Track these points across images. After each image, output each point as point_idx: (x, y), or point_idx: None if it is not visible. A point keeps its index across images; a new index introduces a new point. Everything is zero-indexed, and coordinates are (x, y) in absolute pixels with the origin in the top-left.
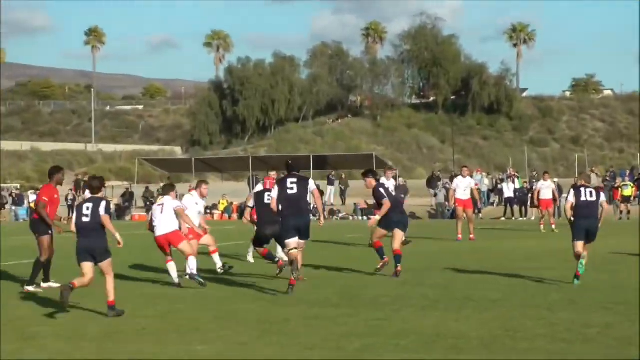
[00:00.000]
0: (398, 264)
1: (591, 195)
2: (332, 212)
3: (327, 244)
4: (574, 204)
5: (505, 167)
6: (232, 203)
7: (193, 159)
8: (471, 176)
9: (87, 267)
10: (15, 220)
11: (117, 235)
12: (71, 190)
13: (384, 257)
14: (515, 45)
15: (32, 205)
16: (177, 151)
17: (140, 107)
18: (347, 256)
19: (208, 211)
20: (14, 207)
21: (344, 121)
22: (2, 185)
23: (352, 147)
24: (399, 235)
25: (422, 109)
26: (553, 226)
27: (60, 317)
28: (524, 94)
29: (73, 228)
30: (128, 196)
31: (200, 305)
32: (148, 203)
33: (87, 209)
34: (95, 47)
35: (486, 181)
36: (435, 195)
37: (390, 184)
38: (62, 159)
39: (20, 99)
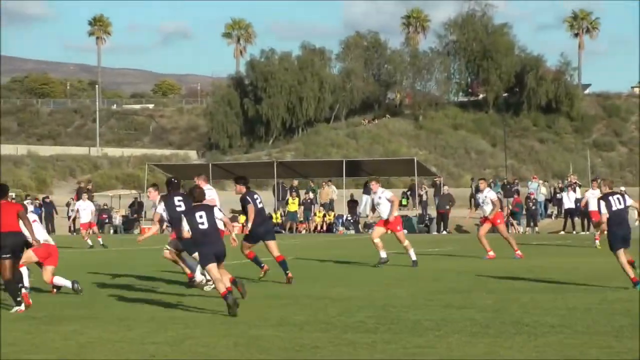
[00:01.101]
0: (287, 271)
1: (619, 202)
2: (366, 226)
3: (359, 263)
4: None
5: (564, 174)
6: None
7: (210, 164)
8: (490, 187)
9: (215, 267)
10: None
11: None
12: (72, 199)
13: (263, 265)
14: (576, 35)
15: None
16: (192, 156)
17: (151, 106)
18: (383, 275)
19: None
20: None
21: (381, 122)
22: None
23: (390, 151)
24: (271, 244)
25: (470, 108)
26: (597, 242)
27: (59, 343)
28: (587, 91)
29: (187, 235)
30: (137, 206)
31: (218, 331)
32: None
33: (201, 217)
34: (100, 38)
35: (543, 190)
36: (478, 206)
37: (383, 195)
38: (62, 165)
39: (16, 96)
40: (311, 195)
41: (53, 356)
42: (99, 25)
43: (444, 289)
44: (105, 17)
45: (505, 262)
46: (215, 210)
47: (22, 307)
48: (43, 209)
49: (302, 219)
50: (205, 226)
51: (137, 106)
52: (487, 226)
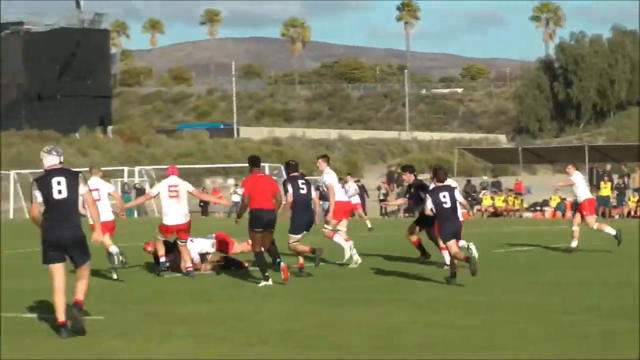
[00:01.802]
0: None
1: None
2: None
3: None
4: None
5: None
6: (564, 199)
7: (520, 148)
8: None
9: (454, 244)
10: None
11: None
12: (383, 183)
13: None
14: None
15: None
16: (502, 140)
17: (460, 90)
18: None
19: (538, 208)
20: (320, 202)
21: None
22: (309, 178)
23: None
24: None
25: None
26: None
27: (367, 325)
28: None
29: (430, 213)
30: None
31: (526, 316)
32: (469, 199)
33: (444, 197)
34: (408, 23)
35: None
36: None
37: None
38: (373, 149)
39: (326, 81)
40: (625, 179)
41: (363, 338)
42: (407, 10)
43: None
44: (414, 2)
45: None
46: (456, 192)
47: (269, 282)
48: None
49: (615, 203)
50: (448, 205)
51: (446, 90)
52: None
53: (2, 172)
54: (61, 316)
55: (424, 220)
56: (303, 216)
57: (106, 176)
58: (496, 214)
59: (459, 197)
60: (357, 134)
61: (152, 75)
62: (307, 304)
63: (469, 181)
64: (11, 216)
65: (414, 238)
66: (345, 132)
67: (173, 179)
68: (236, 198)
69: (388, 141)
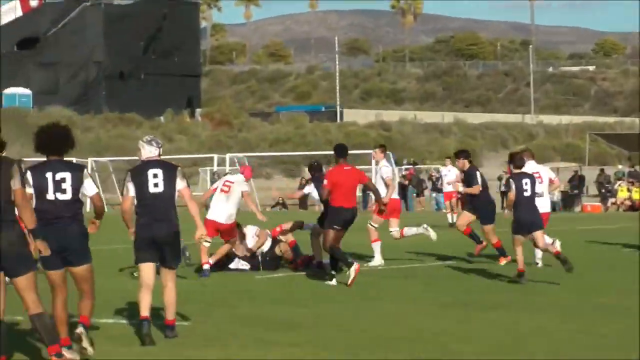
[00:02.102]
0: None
1: None
2: None
3: None
4: None
5: None
6: None
7: None
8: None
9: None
10: (436, 209)
11: None
12: (504, 172)
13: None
14: None
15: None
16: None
17: (591, 67)
18: None
19: None
20: (434, 194)
21: None
22: (421, 166)
23: None
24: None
25: None
26: None
27: (493, 332)
28: None
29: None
30: (577, 181)
31: None
32: (603, 190)
33: (526, 184)
34: None
35: None
36: None
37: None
38: (492, 134)
39: (441, 58)
40: None
41: (486, 346)
42: None
43: None
44: None
45: None
46: (537, 181)
47: (334, 282)
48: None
49: None
50: (528, 193)
51: (576, 68)
52: None
53: (79, 159)
54: (145, 311)
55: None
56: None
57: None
58: (634, 207)
59: (551, 174)
60: (474, 117)
61: (246, 51)
62: (411, 306)
63: (602, 170)
64: (87, 209)
65: (465, 227)
66: (461, 115)
67: (236, 177)
68: (308, 190)
69: (510, 125)
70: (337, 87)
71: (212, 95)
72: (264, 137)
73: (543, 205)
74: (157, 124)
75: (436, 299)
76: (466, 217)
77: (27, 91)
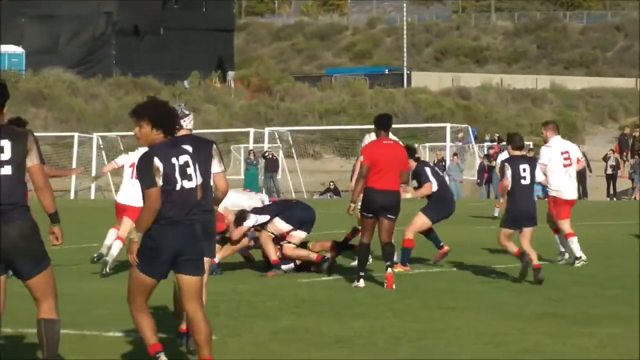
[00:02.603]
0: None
1: None
2: None
3: None
4: None
5: None
6: None
7: None
8: None
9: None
10: None
11: None
12: (613, 151)
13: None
14: None
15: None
16: None
17: None
18: None
19: None
20: None
21: None
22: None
23: None
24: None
25: None
26: None
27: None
28: None
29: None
30: None
31: None
32: None
33: (523, 170)
34: None
35: None
36: None
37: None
38: (598, 103)
39: (535, 8)
40: None
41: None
42: None
43: None
44: None
45: None
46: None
47: (361, 283)
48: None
49: None
50: (527, 181)
51: None
52: None
53: (82, 135)
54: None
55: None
56: None
57: (226, 141)
58: None
59: (578, 153)
60: (576, 82)
61: (291, 0)
62: (495, 317)
63: None
64: (92, 196)
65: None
66: (559, 80)
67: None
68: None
69: (620, 92)
70: (405, 45)
71: (249, 54)
72: (312, 106)
73: (570, 191)
74: (179, 90)
75: (523, 307)
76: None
77: (19, 50)
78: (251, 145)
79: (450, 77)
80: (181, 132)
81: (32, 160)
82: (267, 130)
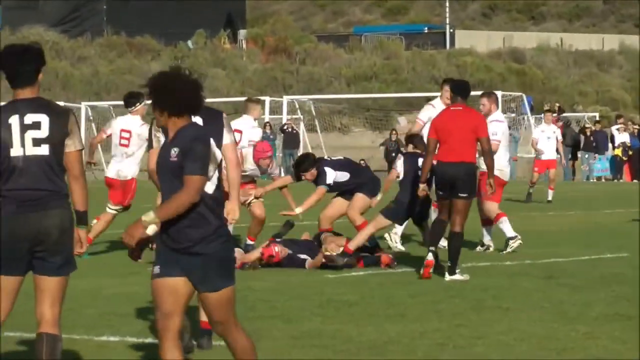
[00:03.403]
0: None
1: None
2: None
3: None
4: None
5: None
6: None
7: None
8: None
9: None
10: (586, 179)
11: None
12: None
13: None
14: None
15: None
16: None
17: None
18: None
19: None
20: (586, 155)
21: None
22: (569, 114)
23: None
24: None
25: None
26: None
27: None
28: None
29: None
30: None
31: None
32: None
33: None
34: None
35: None
36: None
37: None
38: None
39: None
40: None
41: None
42: None
43: None
44: None
45: None
46: None
47: (461, 276)
48: None
49: None
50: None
51: None
52: None
53: (68, 104)
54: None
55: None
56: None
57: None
58: None
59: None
60: None
61: None
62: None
63: None
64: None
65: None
66: (629, 39)
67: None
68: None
69: None
70: None
71: (263, 10)
72: (338, 71)
73: (508, 172)
74: (182, 52)
75: (588, 307)
76: None
77: None
78: (267, 117)
79: (501, 36)
80: None
81: (74, 145)
82: (285, 99)
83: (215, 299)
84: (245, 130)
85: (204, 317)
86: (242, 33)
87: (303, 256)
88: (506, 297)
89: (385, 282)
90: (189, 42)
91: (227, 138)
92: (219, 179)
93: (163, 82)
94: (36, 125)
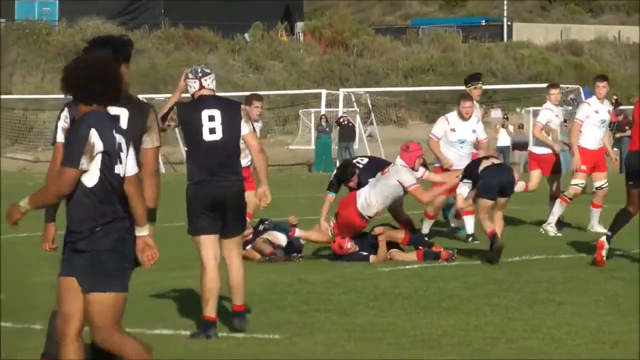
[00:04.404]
0: None
1: None
2: None
3: None
4: None
5: None
6: None
7: None
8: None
9: None
10: None
11: None
12: None
13: None
14: None
15: None
16: None
17: None
18: None
19: None
20: None
21: None
22: (627, 107)
23: None
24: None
25: None
26: None
27: None
28: None
29: None
30: None
31: None
32: None
33: None
34: None
35: None
36: None
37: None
38: None
39: None
40: None
41: None
42: None
43: None
44: None
45: None
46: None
47: None
48: None
49: None
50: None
51: None
52: None
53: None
54: (212, 311)
55: None
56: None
57: (293, 104)
58: None
59: None
60: None
61: None
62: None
63: None
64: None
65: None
66: None
67: None
68: (504, 141)
69: None
70: None
71: (320, 2)
72: (395, 64)
73: None
74: (239, 44)
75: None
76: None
77: None
78: (323, 110)
79: (559, 29)
80: (202, 92)
81: (152, 141)
82: (342, 91)
83: (98, 300)
84: None
85: (236, 302)
86: (299, 25)
87: (365, 253)
88: (560, 290)
89: (439, 275)
90: (246, 35)
91: (245, 129)
92: (104, 172)
93: (70, 68)
94: (115, 119)
